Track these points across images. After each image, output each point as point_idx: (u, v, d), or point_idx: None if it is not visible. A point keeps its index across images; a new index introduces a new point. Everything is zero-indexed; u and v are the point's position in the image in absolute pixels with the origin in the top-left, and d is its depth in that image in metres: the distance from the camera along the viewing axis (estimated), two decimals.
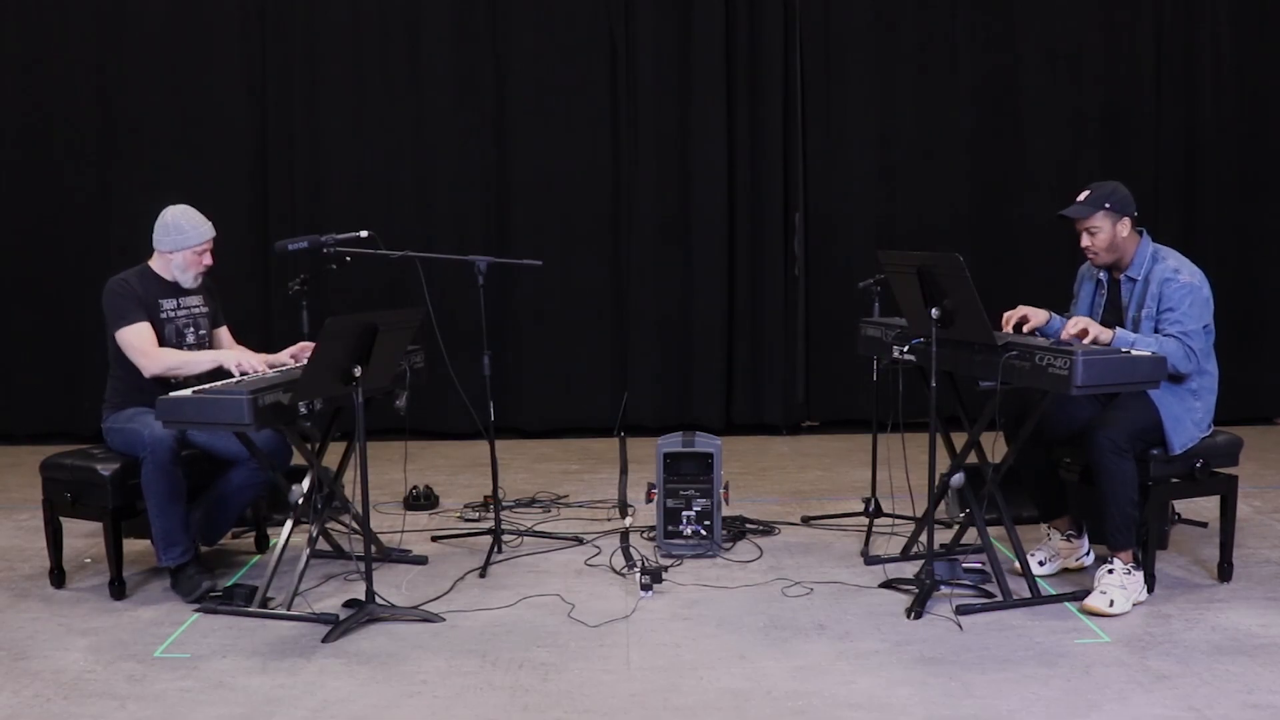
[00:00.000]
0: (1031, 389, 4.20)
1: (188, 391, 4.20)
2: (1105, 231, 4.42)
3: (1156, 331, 4.33)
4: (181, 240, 4.71)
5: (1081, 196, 4.47)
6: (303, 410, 4.20)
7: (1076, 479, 4.67)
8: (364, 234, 5.00)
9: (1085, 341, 4.19)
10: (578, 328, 7.77)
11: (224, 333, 5.01)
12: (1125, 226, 4.43)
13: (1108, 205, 4.41)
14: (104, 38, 7.53)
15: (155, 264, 4.77)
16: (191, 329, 4.80)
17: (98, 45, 7.53)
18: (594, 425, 7.62)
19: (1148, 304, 4.38)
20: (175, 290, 4.76)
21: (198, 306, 4.85)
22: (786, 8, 7.64)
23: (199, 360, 4.64)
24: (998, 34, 7.73)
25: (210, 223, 4.78)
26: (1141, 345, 4.22)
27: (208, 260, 4.77)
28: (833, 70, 7.71)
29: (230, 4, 7.57)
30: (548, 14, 7.63)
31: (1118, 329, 4.32)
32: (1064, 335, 4.29)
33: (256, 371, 4.54)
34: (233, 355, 4.64)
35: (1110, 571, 4.30)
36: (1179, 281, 4.34)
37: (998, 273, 7.37)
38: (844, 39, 7.70)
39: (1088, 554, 4.75)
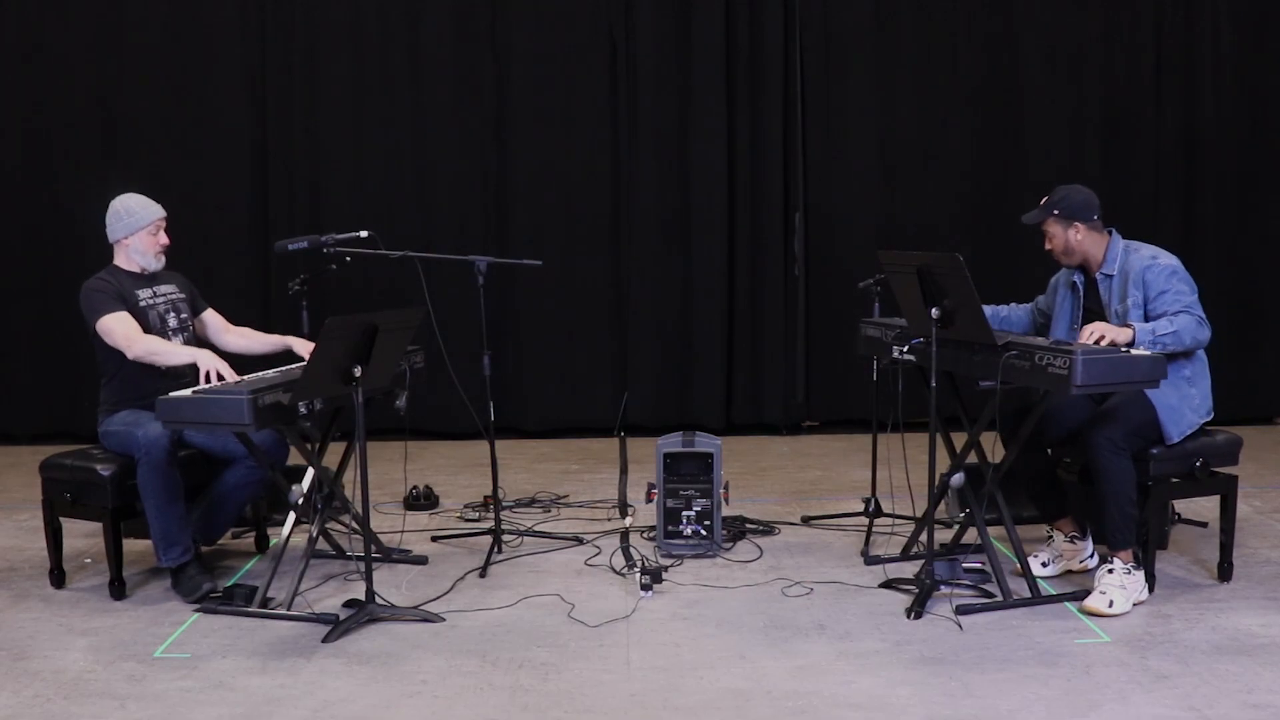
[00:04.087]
0: (1031, 389, 4.19)
1: (187, 392, 4.20)
2: (1058, 237, 4.52)
3: (1148, 319, 4.34)
4: (133, 223, 4.74)
5: (1042, 201, 4.55)
6: (302, 410, 4.19)
7: (1076, 479, 4.66)
8: (364, 234, 5.00)
9: (1104, 344, 4.15)
10: (578, 328, 7.77)
11: (212, 316, 4.98)
12: (1078, 231, 4.48)
13: (1056, 211, 4.48)
14: (104, 39, 7.52)
15: (119, 259, 4.80)
16: (173, 314, 4.80)
17: (98, 47, 7.52)
18: (594, 425, 7.62)
19: (1131, 293, 4.40)
20: (148, 280, 4.78)
21: (174, 293, 4.85)
22: (786, 8, 7.64)
23: (179, 352, 4.60)
24: (998, 34, 7.73)
25: (159, 204, 4.81)
26: (1161, 328, 4.23)
27: (164, 239, 4.80)
28: (833, 70, 7.71)
29: (230, 5, 7.57)
30: (548, 14, 7.63)
31: (1135, 325, 4.29)
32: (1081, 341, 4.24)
33: (225, 382, 4.39)
34: (211, 359, 4.50)
35: (1110, 571, 4.30)
36: (1160, 264, 4.39)
37: (998, 273, 7.36)
38: (844, 39, 7.69)
39: (1091, 556, 4.73)
